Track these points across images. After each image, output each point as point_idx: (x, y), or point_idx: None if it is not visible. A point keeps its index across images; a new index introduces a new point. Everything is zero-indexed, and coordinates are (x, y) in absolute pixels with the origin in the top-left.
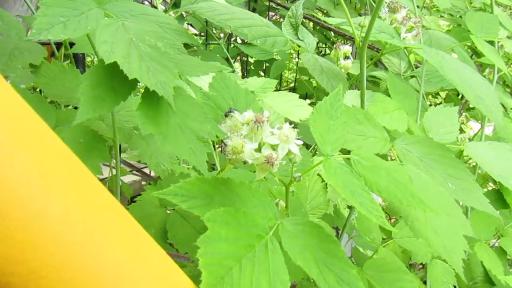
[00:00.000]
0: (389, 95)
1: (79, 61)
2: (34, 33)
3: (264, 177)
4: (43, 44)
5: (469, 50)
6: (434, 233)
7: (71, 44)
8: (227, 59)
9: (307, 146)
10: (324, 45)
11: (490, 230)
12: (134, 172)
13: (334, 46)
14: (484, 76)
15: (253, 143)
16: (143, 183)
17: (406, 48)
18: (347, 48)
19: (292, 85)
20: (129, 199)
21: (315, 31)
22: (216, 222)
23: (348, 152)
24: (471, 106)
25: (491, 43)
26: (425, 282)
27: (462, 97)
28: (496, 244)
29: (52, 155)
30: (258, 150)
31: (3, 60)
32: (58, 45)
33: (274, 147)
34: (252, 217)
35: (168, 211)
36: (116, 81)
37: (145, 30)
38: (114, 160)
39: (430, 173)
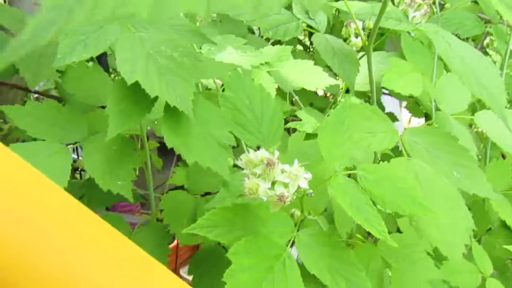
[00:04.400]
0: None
1: (101, 57)
2: (60, 58)
3: None
4: None
5: None
6: (436, 229)
7: None
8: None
9: None
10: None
11: (505, 182)
12: None
13: (345, 23)
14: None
15: (267, 183)
16: None
17: (414, 30)
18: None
19: None
20: (159, 170)
21: None
22: (239, 254)
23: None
24: None
25: None
26: None
27: None
28: None
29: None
30: (272, 187)
31: (33, 70)
32: None
33: (285, 184)
34: (270, 238)
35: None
36: (139, 95)
37: (161, 40)
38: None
39: (436, 162)
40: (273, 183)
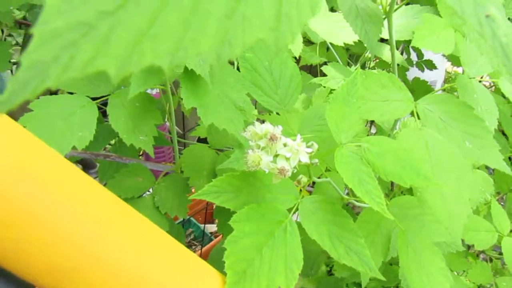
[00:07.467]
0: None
1: None
2: None
3: None
4: None
5: None
6: (441, 200)
7: None
8: None
9: None
10: None
11: None
12: None
13: None
14: None
15: (269, 156)
16: None
17: None
18: None
19: None
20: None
21: None
22: (241, 222)
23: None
24: None
25: None
26: None
27: None
28: None
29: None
30: (274, 160)
31: None
32: None
33: (287, 158)
34: (273, 206)
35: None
36: None
37: None
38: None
39: (449, 132)
40: (275, 156)
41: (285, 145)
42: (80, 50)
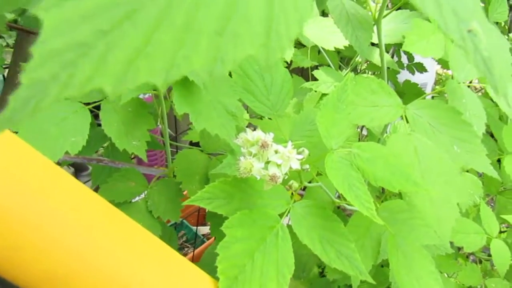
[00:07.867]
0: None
1: None
2: None
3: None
4: None
5: None
6: (429, 204)
7: None
8: None
9: None
10: None
11: None
12: None
13: None
14: None
15: (260, 163)
16: None
17: None
18: None
19: None
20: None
21: None
22: (233, 227)
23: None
24: None
25: None
26: None
27: None
28: None
29: None
30: (265, 167)
31: None
32: None
33: (278, 165)
34: (265, 211)
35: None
36: None
37: None
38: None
39: (438, 137)
40: (267, 163)
41: (276, 152)
42: (78, 69)
